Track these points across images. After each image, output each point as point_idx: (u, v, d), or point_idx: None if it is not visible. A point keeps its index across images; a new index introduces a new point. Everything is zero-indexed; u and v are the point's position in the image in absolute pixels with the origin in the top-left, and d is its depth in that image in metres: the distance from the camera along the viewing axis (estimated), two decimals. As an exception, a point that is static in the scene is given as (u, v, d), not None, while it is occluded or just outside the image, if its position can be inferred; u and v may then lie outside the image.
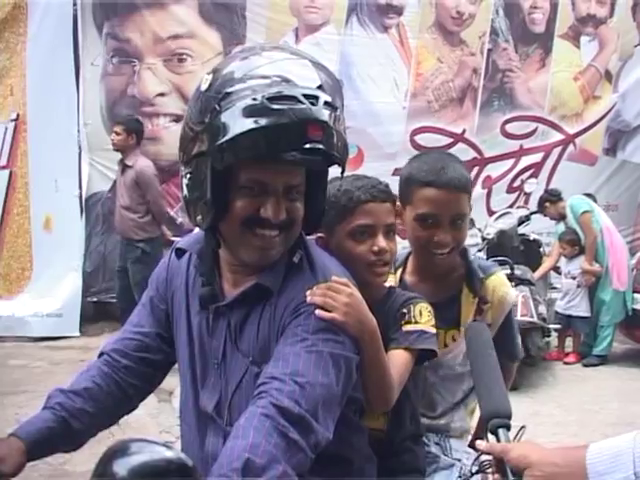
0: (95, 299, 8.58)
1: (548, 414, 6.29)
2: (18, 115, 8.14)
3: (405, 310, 2.04)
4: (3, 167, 8.12)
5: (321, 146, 1.63)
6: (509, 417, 1.61)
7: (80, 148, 8.25)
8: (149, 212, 7.16)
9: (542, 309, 7.29)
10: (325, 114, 1.64)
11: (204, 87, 1.70)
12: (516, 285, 7.03)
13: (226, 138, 1.61)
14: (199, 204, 1.73)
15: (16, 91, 8.08)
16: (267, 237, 1.73)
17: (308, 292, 1.73)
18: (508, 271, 7.06)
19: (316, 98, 1.63)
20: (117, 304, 7.24)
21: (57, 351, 7.48)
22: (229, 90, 1.65)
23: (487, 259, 7.19)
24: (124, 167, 7.19)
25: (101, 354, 2.02)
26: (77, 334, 8.08)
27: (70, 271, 8.07)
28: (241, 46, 8.42)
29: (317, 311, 1.70)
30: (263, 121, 1.58)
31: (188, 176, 1.75)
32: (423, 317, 2.03)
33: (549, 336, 7.64)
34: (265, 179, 1.69)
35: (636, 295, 7.80)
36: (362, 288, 1.84)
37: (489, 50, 9.48)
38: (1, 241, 8.15)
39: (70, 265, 8.07)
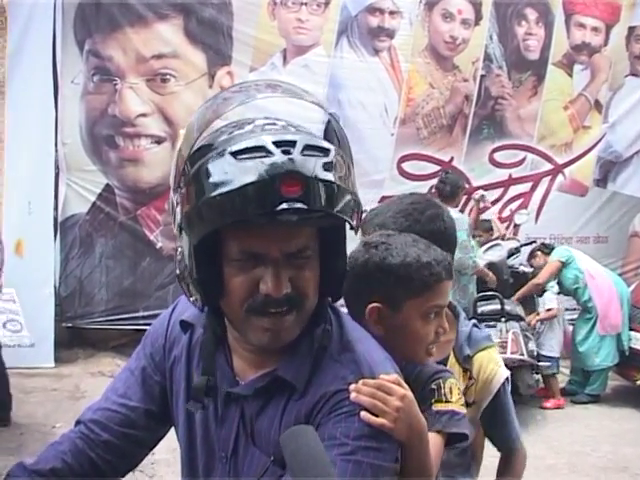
0: (70, 324, 8.31)
1: (538, 456, 6.05)
2: (-3, 133, 7.87)
3: (435, 386, 1.81)
4: (-20, 187, 7.83)
5: (300, 205, 1.32)
6: None
7: (58, 168, 7.99)
8: None
9: (532, 345, 7.11)
10: (307, 162, 1.34)
11: (179, 145, 1.46)
12: (506, 321, 6.87)
13: (190, 207, 1.37)
14: (190, 282, 1.47)
15: (-5, 109, 7.82)
16: (274, 316, 1.43)
17: (352, 388, 1.44)
18: (498, 306, 6.90)
19: (292, 144, 1.34)
20: None
21: (29, 378, 7.21)
22: (198, 145, 1.40)
23: (477, 292, 7.03)
24: None
25: (78, 422, 1.72)
26: (51, 364, 7.77)
27: (42, 298, 7.76)
28: (228, 72, 8.32)
29: (363, 414, 1.43)
30: (227, 184, 1.32)
31: (178, 250, 1.50)
32: (453, 396, 1.81)
33: (539, 373, 7.45)
34: (257, 248, 1.40)
35: (633, 334, 7.61)
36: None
37: (482, 76, 9.33)
38: (-29, 264, 7.82)
39: (43, 292, 7.77)
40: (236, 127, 1.44)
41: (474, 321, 2.27)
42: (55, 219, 8.03)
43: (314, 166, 1.34)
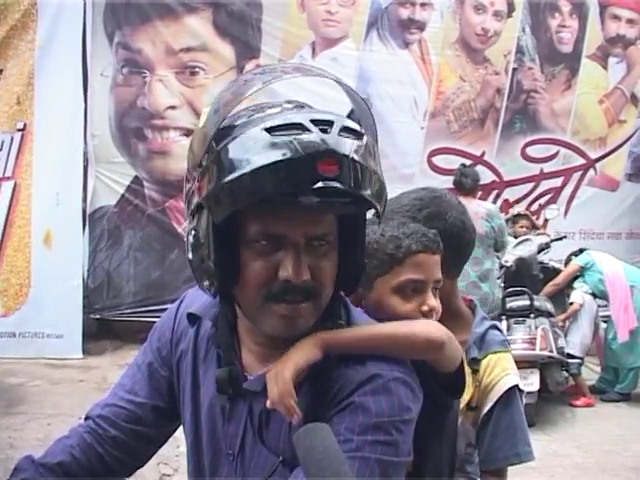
0: (98, 316, 8.37)
1: (566, 454, 6.00)
2: (25, 125, 7.91)
3: None
4: (8, 178, 7.88)
5: (337, 184, 1.27)
6: None
7: (86, 160, 8.03)
8: None
9: (562, 342, 7.00)
10: (343, 143, 1.29)
11: (201, 122, 1.38)
12: (535, 317, 6.78)
13: (216, 185, 1.29)
14: (203, 266, 1.40)
15: (23, 100, 7.86)
16: (291, 303, 1.37)
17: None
18: (527, 302, 6.80)
19: (330, 123, 1.30)
20: None
21: (57, 369, 7.28)
22: (228, 123, 1.34)
23: (505, 288, 6.93)
24: None
25: (86, 418, 1.69)
26: (80, 356, 7.81)
27: (71, 290, 7.80)
28: (257, 64, 8.28)
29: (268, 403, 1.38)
30: (260, 159, 1.26)
31: (192, 233, 1.42)
32: None
33: (568, 370, 7.33)
34: (280, 231, 1.35)
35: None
36: None
37: (514, 69, 9.25)
38: (2, 254, 7.88)
39: (71, 284, 7.81)
40: (265, 107, 1.39)
41: (494, 323, 2.10)
42: (83, 211, 8.07)
43: (350, 148, 1.30)
